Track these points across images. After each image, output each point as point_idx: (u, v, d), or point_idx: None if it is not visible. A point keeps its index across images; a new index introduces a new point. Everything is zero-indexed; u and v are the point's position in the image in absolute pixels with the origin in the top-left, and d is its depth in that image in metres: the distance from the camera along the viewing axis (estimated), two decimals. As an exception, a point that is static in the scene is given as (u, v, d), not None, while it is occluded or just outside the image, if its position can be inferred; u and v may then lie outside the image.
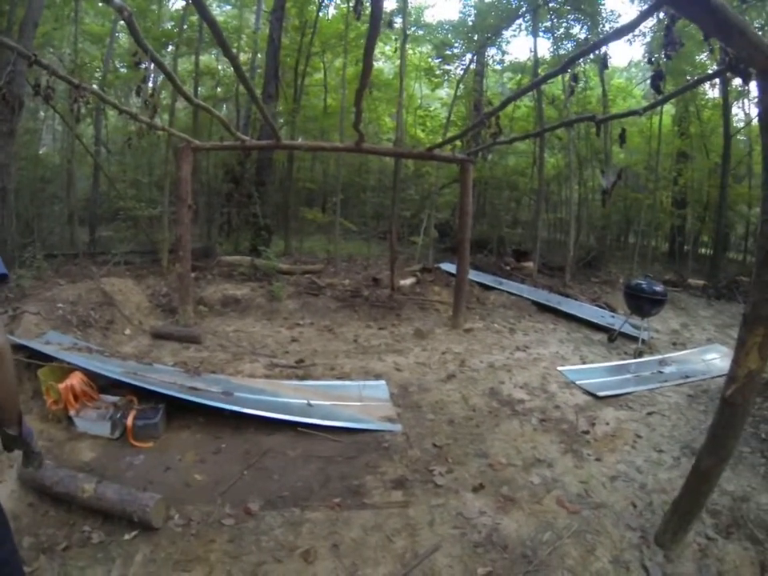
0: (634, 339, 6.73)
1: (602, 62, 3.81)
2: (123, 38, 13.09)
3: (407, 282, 9.03)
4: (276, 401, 4.21)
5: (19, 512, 2.73)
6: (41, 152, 13.52)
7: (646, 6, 2.58)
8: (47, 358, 4.04)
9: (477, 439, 3.85)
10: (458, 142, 7.43)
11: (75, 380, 3.75)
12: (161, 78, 13.73)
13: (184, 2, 10.79)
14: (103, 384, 4.00)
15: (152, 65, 3.42)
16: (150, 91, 3.40)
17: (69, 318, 5.59)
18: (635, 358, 6.29)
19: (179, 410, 3.86)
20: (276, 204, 13.04)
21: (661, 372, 5.76)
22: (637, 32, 10.76)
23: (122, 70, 12.69)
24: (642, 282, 6.62)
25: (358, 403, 4.37)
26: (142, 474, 3.17)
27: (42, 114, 12.84)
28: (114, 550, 2.53)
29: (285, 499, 2.98)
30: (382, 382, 4.89)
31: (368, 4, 2.65)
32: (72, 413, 3.62)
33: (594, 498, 3.13)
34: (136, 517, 2.61)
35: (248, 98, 12.84)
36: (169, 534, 2.64)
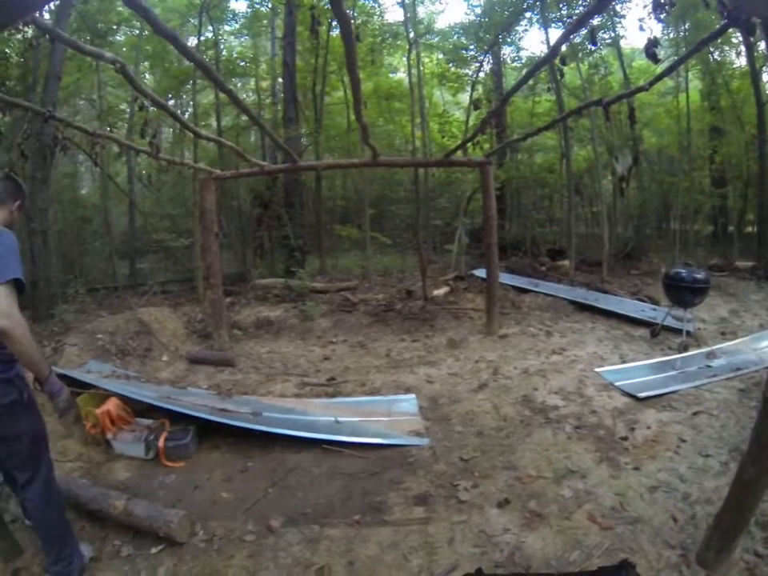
0: (679, 332, 6.32)
1: (591, 38, 3.68)
2: (149, 78, 13.67)
3: (440, 291, 8.97)
4: (304, 419, 4.25)
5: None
6: (83, 192, 14.29)
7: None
8: (87, 386, 4.23)
9: (506, 451, 3.70)
10: (486, 145, 7.26)
11: (111, 405, 3.93)
12: (189, 111, 14.32)
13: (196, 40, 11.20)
14: (139, 408, 4.18)
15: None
16: (152, 132, 3.54)
17: (108, 347, 5.88)
18: (680, 352, 5.91)
19: (210, 432, 3.97)
20: (310, 224, 13.25)
21: (709, 366, 5.39)
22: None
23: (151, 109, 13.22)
24: (682, 270, 6.27)
25: (386, 418, 4.33)
26: (172, 493, 3.30)
27: (80, 157, 13.53)
28: (140, 563, 2.63)
29: (306, 516, 2.99)
30: (412, 395, 4.83)
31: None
32: (109, 436, 3.81)
33: (630, 512, 2.90)
34: (162, 532, 2.72)
35: (273, 122, 13.22)
36: (192, 549, 2.73)
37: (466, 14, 12.10)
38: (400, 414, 4.43)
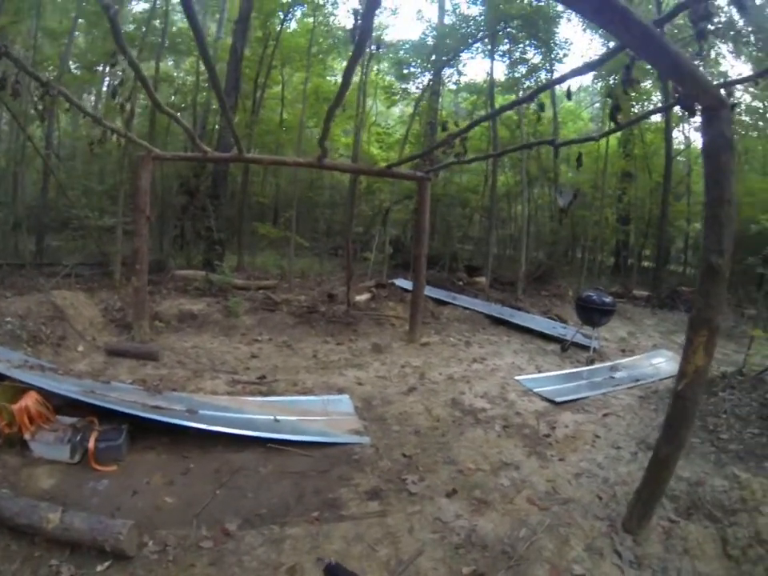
0: (586, 348, 7.09)
1: (567, 95, 4.22)
2: (81, 38, 12.66)
3: (363, 297, 9.13)
4: (241, 417, 4.12)
5: (-23, 547, 2.54)
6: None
7: (600, 39, 2.93)
8: (-1, 377, 3.77)
9: (444, 447, 3.98)
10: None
11: (30, 400, 3.48)
12: (116, 82, 13.38)
13: (147, 5, 10.55)
14: (59, 404, 3.75)
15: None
16: (127, 94, 3.26)
17: (18, 333, 5.30)
18: (587, 365, 6.65)
19: (142, 431, 3.67)
20: (229, 218, 12.86)
21: (612, 377, 6.15)
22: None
23: (76, 71, 12.15)
24: (593, 293, 7.01)
25: (324, 417, 4.38)
26: (107, 500, 3.00)
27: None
28: (87, 583, 2.40)
29: (262, 517, 2.96)
30: (346, 396, 4.93)
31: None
32: (27, 436, 3.36)
33: (562, 495, 3.36)
34: (108, 546, 2.47)
35: (204, 108, 12.73)
36: (144, 562, 2.52)
37: (422, 37, 12.43)
38: (336, 413, 4.51)
